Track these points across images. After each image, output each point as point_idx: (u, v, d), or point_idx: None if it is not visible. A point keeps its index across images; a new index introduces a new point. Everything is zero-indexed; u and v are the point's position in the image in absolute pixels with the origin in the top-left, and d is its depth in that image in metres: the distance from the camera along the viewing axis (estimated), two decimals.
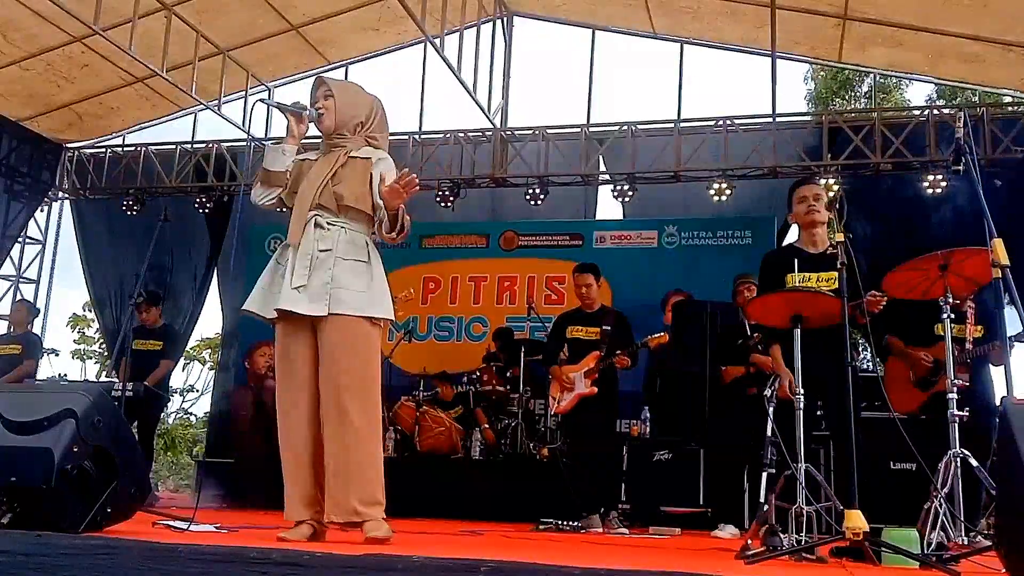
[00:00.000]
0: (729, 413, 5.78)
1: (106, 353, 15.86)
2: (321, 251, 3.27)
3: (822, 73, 16.28)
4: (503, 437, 7.47)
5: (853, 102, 15.76)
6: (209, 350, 17.21)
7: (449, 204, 8.94)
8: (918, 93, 15.81)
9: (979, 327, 5.02)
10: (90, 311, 16.34)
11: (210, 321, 15.70)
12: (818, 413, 4.65)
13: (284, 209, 3.48)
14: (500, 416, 7.62)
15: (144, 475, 3.93)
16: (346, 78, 9.72)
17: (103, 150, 10.29)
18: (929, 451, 3.73)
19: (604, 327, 5.78)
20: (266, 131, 9.90)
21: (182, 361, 15.89)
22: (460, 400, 7.84)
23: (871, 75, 15.21)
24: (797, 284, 4.00)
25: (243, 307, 3.42)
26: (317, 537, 3.29)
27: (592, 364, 5.72)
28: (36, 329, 10.20)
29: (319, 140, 3.56)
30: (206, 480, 7.92)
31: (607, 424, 5.96)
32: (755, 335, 5.61)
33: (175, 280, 10.02)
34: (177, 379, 16.66)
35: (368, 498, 3.22)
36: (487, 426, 7.46)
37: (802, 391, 3.52)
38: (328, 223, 3.31)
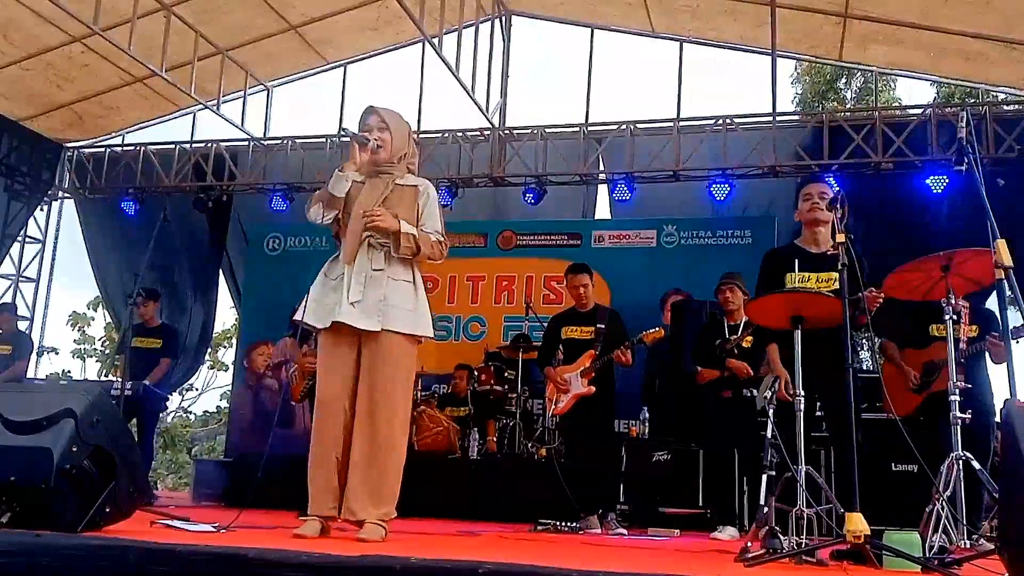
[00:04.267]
0: (701, 414, 5.79)
1: (107, 352, 15.85)
2: (375, 270, 3.55)
3: (807, 76, 16.26)
4: (501, 437, 7.46)
5: (841, 104, 15.71)
6: (208, 348, 17.14)
7: (447, 204, 8.92)
8: (913, 92, 15.79)
9: (973, 327, 5.01)
10: (93, 309, 16.36)
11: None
12: (817, 414, 4.64)
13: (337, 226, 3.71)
14: (498, 416, 7.60)
15: (143, 475, 3.92)
16: (344, 78, 9.73)
17: (103, 150, 10.29)
18: (926, 452, 3.71)
19: (598, 326, 5.76)
20: (264, 131, 9.90)
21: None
22: (470, 399, 7.77)
23: (857, 75, 15.28)
24: (796, 284, 3.98)
25: (302, 318, 3.62)
26: (324, 533, 3.44)
27: (587, 363, 5.69)
28: (36, 327, 10.23)
29: None
30: (202, 478, 7.94)
31: (605, 425, 5.93)
32: (731, 339, 5.57)
33: (179, 279, 10.02)
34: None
35: (381, 502, 3.42)
36: (493, 437, 7.44)
37: (802, 393, 3.50)
38: (380, 244, 3.58)
